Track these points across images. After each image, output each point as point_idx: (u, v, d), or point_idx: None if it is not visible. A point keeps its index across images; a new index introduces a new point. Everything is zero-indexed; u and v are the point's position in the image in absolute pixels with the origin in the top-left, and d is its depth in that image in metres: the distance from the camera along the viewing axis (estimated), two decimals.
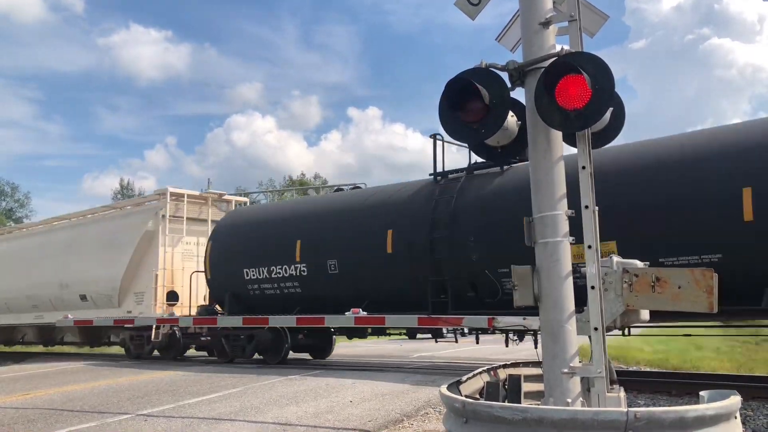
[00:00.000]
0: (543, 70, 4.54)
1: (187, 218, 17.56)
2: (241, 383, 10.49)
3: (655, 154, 9.43)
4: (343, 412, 7.83)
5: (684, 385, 9.38)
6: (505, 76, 4.74)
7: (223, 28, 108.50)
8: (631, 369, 13.12)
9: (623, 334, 9.36)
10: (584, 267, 4.57)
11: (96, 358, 18.18)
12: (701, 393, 4.46)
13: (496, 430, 4.03)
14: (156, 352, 16.95)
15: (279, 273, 13.58)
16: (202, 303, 16.44)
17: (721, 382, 9.05)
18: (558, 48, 4.72)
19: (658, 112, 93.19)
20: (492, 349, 17.07)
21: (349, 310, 11.47)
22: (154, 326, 15.93)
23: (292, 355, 14.74)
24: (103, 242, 18.43)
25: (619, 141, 5.84)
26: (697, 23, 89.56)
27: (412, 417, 7.52)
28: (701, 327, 10.74)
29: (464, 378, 5.48)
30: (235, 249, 14.67)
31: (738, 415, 4.20)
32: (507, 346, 11.94)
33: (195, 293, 16.38)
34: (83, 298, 18.80)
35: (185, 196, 17.77)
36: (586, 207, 4.60)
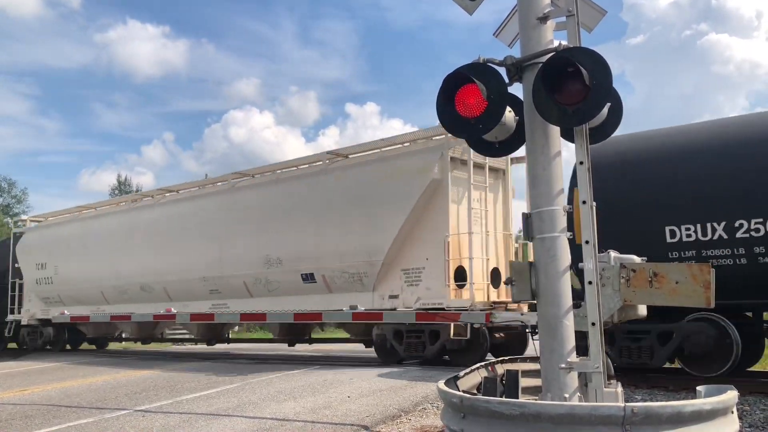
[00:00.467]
0: (541, 65, 4.54)
1: (475, 164, 12.11)
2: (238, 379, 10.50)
3: None
4: (340, 407, 7.84)
5: (681, 380, 9.39)
6: (503, 71, 4.74)
7: (220, 23, 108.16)
8: None
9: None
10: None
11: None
12: (698, 388, 4.48)
13: (493, 425, 4.04)
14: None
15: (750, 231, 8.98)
16: (487, 284, 11.77)
17: (718, 378, 9.06)
18: (556, 43, 4.71)
19: (655, 108, 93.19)
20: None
21: None
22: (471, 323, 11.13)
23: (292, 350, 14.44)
24: (353, 199, 12.69)
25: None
26: (694, 19, 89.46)
27: (410, 412, 7.53)
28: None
29: (462, 373, 5.48)
30: (640, 196, 9.86)
31: (735, 410, 4.21)
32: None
33: (482, 269, 11.84)
34: (308, 278, 13.18)
35: None
36: (584, 202, 4.61)
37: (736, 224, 9.01)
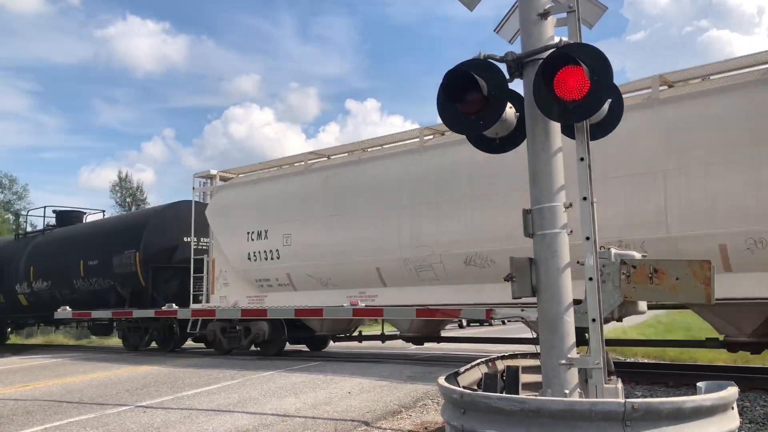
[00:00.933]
0: (541, 61, 4.53)
1: None
2: (239, 375, 10.53)
3: None
4: (341, 403, 7.86)
5: (681, 376, 9.40)
6: (503, 67, 4.73)
7: (220, 19, 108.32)
8: (628, 360, 13.16)
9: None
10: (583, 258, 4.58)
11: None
12: (698, 384, 4.48)
13: (494, 421, 4.05)
14: None
15: None
16: None
17: (718, 374, 9.08)
18: (556, 39, 4.71)
19: None
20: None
21: None
22: None
23: (288, 347, 14.75)
24: None
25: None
26: (695, 15, 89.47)
27: (411, 408, 7.55)
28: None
29: (462, 369, 5.49)
30: None
31: (735, 406, 4.22)
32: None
33: None
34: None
35: None
36: (585, 198, 4.61)
37: None
